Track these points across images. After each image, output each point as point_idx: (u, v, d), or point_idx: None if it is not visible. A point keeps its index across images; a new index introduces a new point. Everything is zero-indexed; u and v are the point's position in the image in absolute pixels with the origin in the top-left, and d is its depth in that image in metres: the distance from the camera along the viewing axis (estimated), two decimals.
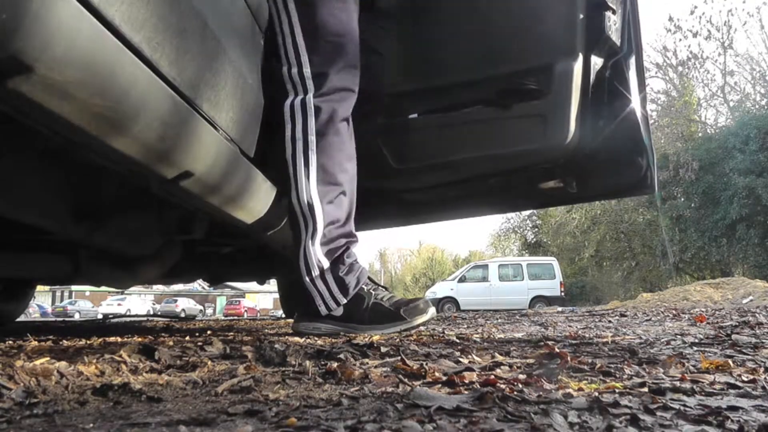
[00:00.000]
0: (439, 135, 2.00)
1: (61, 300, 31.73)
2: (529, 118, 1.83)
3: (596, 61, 1.82)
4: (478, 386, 0.69)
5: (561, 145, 1.78)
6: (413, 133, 2.02)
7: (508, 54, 1.45)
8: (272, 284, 3.89)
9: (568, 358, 0.91)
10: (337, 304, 1.55)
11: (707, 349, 1.05)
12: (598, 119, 1.47)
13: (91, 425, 0.52)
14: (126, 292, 29.99)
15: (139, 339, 1.48)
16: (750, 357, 0.96)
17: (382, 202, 2.19)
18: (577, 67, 1.79)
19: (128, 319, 4.02)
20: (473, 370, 0.82)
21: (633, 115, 1.86)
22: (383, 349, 1.07)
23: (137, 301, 30.59)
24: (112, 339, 1.56)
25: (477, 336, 1.50)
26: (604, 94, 1.45)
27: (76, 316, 20.25)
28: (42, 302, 29.34)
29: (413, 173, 2.05)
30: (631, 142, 1.88)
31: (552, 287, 15.97)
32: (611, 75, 1.69)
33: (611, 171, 1.92)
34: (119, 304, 27.78)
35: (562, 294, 16.04)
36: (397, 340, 1.35)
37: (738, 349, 1.04)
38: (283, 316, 3.77)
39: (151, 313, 23.97)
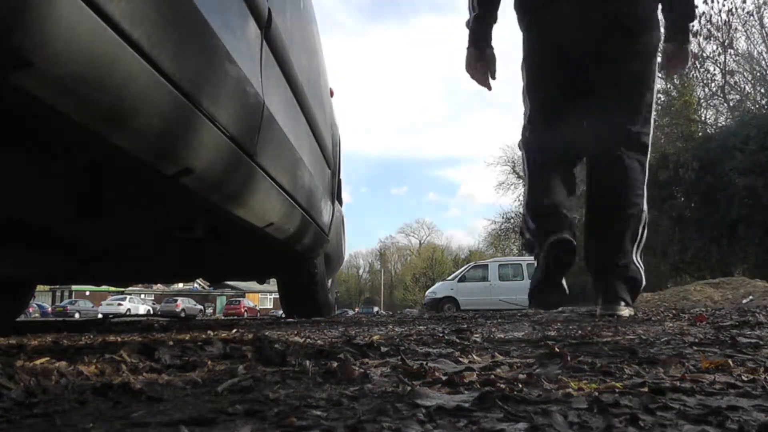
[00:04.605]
0: None
1: (61, 300, 31.74)
2: None
3: None
4: (478, 386, 0.69)
5: None
6: None
7: None
8: (272, 284, 3.88)
9: (568, 358, 0.91)
10: None
11: (707, 349, 1.05)
12: None
13: (91, 425, 0.52)
14: (126, 291, 30.05)
15: (139, 339, 1.48)
16: (750, 357, 0.96)
17: None
18: None
19: (128, 319, 4.02)
20: (473, 370, 0.82)
21: None
22: (383, 349, 1.07)
23: (137, 301, 30.60)
24: (112, 339, 1.55)
25: (477, 336, 1.50)
26: None
27: (76, 316, 20.26)
28: (42, 302, 29.37)
29: None
30: None
31: None
32: None
33: None
34: (119, 304, 27.77)
35: None
36: (397, 340, 1.35)
37: (738, 349, 1.04)
38: (283, 316, 3.76)
39: (151, 312, 23.98)
